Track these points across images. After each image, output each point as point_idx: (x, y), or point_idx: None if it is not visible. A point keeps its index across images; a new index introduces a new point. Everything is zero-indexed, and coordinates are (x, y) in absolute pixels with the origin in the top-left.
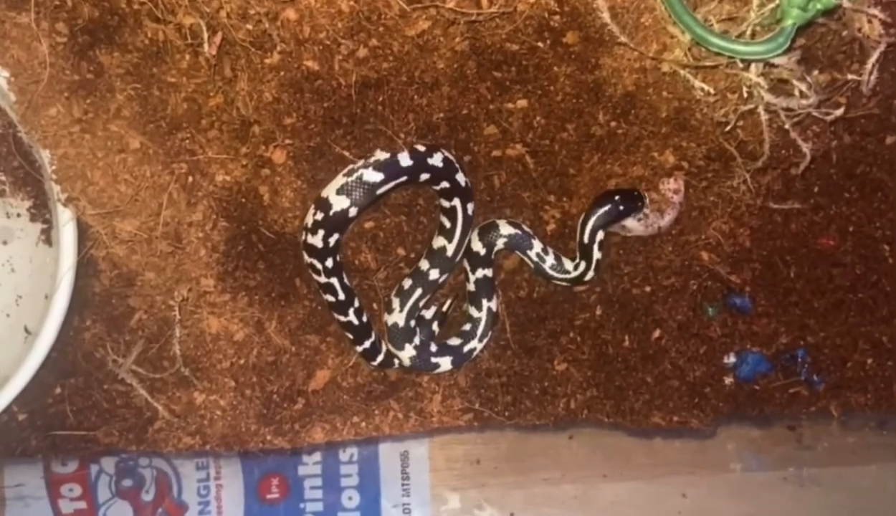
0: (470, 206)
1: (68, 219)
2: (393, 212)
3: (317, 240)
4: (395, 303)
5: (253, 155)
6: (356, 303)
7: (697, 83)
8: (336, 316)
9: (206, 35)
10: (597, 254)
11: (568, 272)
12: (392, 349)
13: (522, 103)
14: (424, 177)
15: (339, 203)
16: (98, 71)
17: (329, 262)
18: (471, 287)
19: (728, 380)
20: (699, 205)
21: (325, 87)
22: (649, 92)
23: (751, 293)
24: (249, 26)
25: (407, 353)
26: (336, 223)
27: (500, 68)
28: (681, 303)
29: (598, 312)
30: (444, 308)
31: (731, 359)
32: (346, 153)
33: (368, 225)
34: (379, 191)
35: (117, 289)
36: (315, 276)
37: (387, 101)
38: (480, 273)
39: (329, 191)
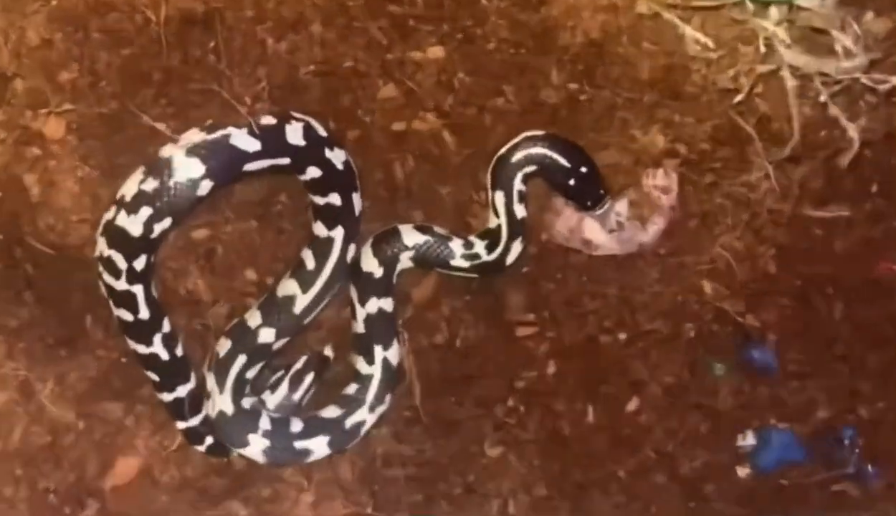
0: (352, 248)
1: None
2: (238, 215)
3: (134, 224)
4: (211, 381)
5: (14, 125)
6: (165, 327)
7: (690, 32)
8: (133, 345)
9: None
10: (519, 186)
11: (498, 239)
12: (232, 448)
13: (436, 52)
14: (313, 173)
15: (188, 168)
16: None
17: (140, 262)
18: (359, 327)
19: (742, 472)
20: (701, 211)
21: (123, 23)
22: (623, 41)
23: (777, 343)
24: None
25: (256, 448)
26: (175, 200)
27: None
28: (671, 358)
29: (551, 370)
30: (298, 395)
31: (747, 440)
32: (160, 125)
33: (200, 234)
34: (246, 167)
35: None
36: (108, 279)
37: (222, 46)
38: (374, 305)
39: (174, 151)
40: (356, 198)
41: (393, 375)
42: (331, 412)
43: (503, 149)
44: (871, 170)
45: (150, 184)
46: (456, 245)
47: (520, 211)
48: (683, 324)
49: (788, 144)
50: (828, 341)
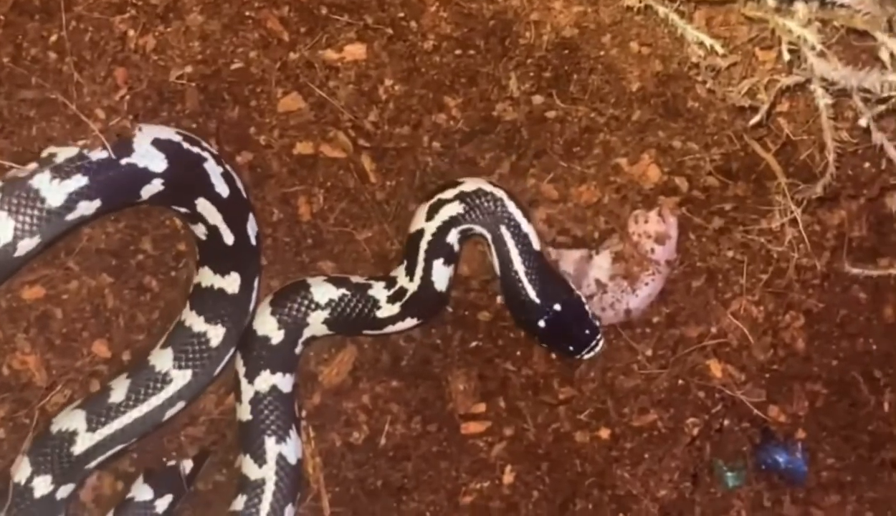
0: (182, 409)
1: None
2: (85, 268)
3: (56, 191)
4: None
5: None
6: None
7: (692, 31)
8: None
9: None
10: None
11: (416, 253)
12: None
13: (356, 51)
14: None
15: (150, 157)
16: None
17: (26, 245)
18: (244, 413)
19: None
20: (707, 267)
21: None
22: (604, 42)
23: (807, 443)
24: None
25: None
26: (119, 184)
27: None
28: (668, 463)
29: (508, 479)
30: None
31: None
32: None
33: (32, 293)
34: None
35: None
36: None
37: (68, 41)
38: (265, 382)
39: (143, 130)
40: (252, 228)
41: (293, 478)
42: None
43: (488, 185)
44: None
45: (94, 153)
46: (378, 290)
47: (453, 235)
48: (685, 418)
49: (821, 181)
50: (875, 441)
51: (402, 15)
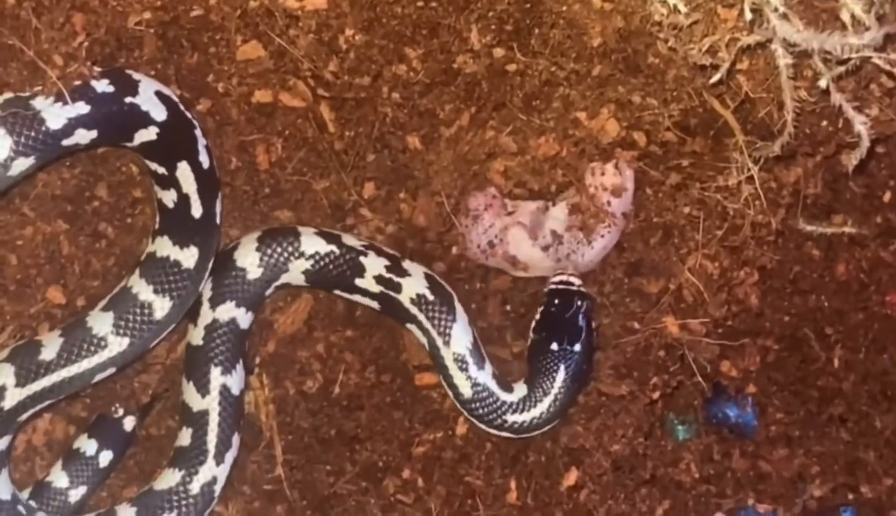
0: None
1: None
2: (41, 214)
3: (57, 115)
4: None
5: None
6: None
7: None
8: None
9: None
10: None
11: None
12: None
13: (316, 0)
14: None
15: (149, 100)
16: None
17: (19, 165)
18: (196, 338)
19: None
20: (663, 222)
21: None
22: None
23: (757, 397)
24: None
25: None
26: (118, 118)
27: None
28: (622, 418)
29: (461, 430)
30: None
31: None
32: None
33: None
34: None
35: None
36: None
37: None
38: (227, 312)
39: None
40: (203, 159)
41: (236, 408)
42: (168, 480)
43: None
44: (883, 174)
45: (103, 86)
46: (372, 262)
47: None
48: (648, 381)
49: (778, 139)
50: (824, 397)
51: None
